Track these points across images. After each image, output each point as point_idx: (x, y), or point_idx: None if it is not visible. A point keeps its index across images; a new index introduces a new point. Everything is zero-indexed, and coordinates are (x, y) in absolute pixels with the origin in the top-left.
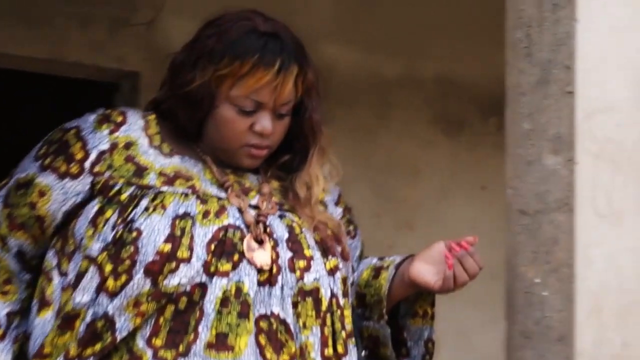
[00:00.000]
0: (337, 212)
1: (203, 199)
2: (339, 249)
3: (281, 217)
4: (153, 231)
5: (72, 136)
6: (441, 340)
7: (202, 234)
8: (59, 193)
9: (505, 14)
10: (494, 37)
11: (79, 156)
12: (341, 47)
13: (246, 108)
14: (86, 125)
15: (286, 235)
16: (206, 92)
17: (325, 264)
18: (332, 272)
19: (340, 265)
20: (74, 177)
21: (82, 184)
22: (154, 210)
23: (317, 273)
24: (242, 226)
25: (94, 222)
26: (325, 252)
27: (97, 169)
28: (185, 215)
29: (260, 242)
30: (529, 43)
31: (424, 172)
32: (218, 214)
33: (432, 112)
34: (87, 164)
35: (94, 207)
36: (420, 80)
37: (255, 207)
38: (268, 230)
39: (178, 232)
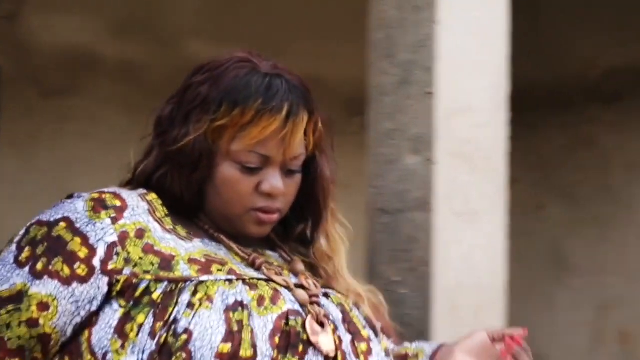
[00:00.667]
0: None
1: (251, 283)
2: (379, 324)
3: (326, 295)
4: (206, 330)
5: (64, 231)
6: None
7: (262, 325)
8: (68, 303)
9: (367, 15)
10: (358, 37)
11: (82, 254)
12: (204, 43)
13: (251, 164)
14: (78, 215)
15: (340, 316)
16: (203, 148)
17: (380, 344)
18: (387, 353)
19: (388, 344)
20: (83, 280)
21: (95, 288)
22: (201, 304)
23: (378, 356)
24: (301, 310)
25: (121, 332)
26: (375, 330)
27: (111, 266)
28: (238, 306)
29: (322, 325)
30: (390, 44)
31: None
32: (274, 300)
33: None
34: (97, 262)
35: (115, 313)
36: None
37: (300, 286)
38: (324, 312)
39: (235, 327)
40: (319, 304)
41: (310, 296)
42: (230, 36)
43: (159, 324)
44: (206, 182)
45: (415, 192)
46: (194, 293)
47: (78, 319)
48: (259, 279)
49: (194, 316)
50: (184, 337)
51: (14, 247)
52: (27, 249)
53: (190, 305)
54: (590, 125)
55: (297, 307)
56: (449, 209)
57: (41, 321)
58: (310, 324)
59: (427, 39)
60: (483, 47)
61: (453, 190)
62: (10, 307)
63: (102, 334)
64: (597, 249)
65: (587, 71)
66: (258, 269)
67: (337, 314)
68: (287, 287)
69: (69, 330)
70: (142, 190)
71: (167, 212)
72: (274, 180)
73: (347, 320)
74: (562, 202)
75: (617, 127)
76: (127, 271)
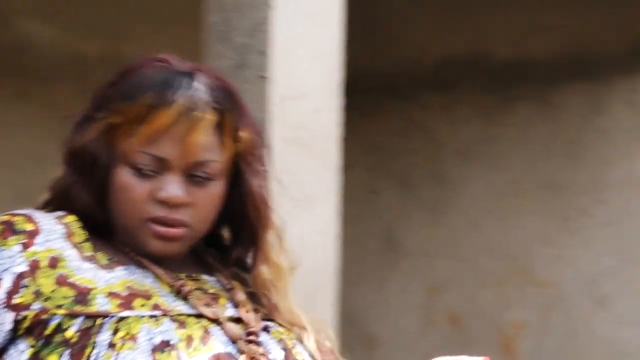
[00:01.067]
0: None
1: (179, 320)
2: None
3: (266, 329)
4: None
5: None
6: None
7: None
8: None
9: None
10: (196, 20)
11: None
12: (37, 24)
13: (143, 167)
14: None
15: (282, 354)
16: (97, 150)
17: None
18: None
19: None
20: None
21: None
22: (123, 345)
23: None
24: (234, 352)
25: None
26: None
27: (17, 300)
28: (165, 346)
29: None
30: (226, 28)
31: None
32: (204, 339)
33: None
34: (1, 295)
35: (22, 354)
36: (122, 60)
37: (237, 319)
38: (262, 350)
39: None
40: (256, 342)
41: (248, 333)
42: (65, 18)
43: None
44: (107, 192)
45: None
46: (115, 331)
47: None
48: (188, 315)
49: (116, 358)
50: None
51: None
52: None
53: (111, 345)
54: (423, 112)
55: (229, 348)
56: (284, 194)
57: None
58: None
59: (263, 23)
60: (318, 32)
61: (287, 175)
62: None
63: None
64: (428, 233)
65: (421, 59)
66: (184, 298)
67: (277, 352)
68: (217, 321)
69: None
70: (60, 212)
71: (87, 237)
72: (170, 187)
73: (289, 359)
74: (396, 188)
75: (449, 114)
76: (36, 306)
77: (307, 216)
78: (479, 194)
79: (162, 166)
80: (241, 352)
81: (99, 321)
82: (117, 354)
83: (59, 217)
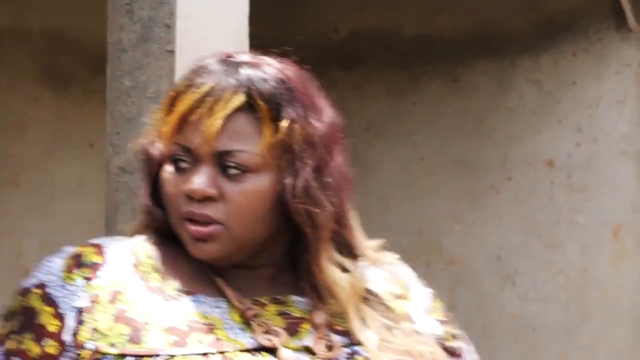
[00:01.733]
0: (431, 326)
1: (230, 357)
2: None
3: (351, 355)
4: None
5: (37, 299)
6: None
7: None
8: None
9: None
10: None
11: (53, 327)
12: None
13: (176, 157)
14: (52, 277)
15: None
16: (152, 150)
17: None
18: None
19: None
20: (52, 358)
21: None
22: None
23: None
24: None
25: None
26: None
27: (79, 338)
28: None
29: None
30: (130, 0)
31: (29, 129)
32: None
33: (39, 67)
34: (67, 336)
35: None
36: (27, 33)
37: (307, 349)
38: None
39: None
40: None
41: None
42: None
43: None
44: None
45: None
46: None
47: None
48: (244, 350)
49: None
50: None
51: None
52: (5, 323)
53: None
54: (331, 88)
55: None
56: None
57: None
58: None
59: None
60: (225, 6)
61: None
62: None
63: None
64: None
65: (330, 35)
66: (247, 322)
67: None
68: (271, 349)
69: None
70: (135, 240)
71: (155, 265)
72: (194, 178)
73: None
74: None
75: (357, 91)
76: (90, 345)
77: None
78: (387, 170)
79: (192, 157)
80: None
81: None
82: None
83: (132, 246)
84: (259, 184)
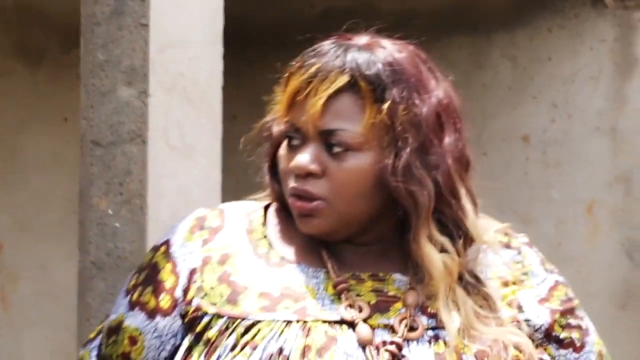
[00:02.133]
0: (540, 315)
1: (310, 327)
2: None
3: (435, 339)
4: None
5: (162, 256)
6: (21, 273)
7: None
8: (152, 337)
9: None
10: None
11: (169, 283)
12: None
13: (288, 134)
14: (176, 236)
15: None
16: (270, 129)
17: None
18: None
19: None
20: (166, 313)
21: (177, 320)
22: (241, 349)
23: None
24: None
25: None
26: None
27: (188, 295)
28: (277, 355)
29: None
30: None
31: (2, 103)
32: (321, 351)
33: (12, 40)
34: (179, 292)
35: (183, 347)
36: (0, 7)
37: (389, 327)
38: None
39: None
40: (395, 355)
41: (390, 342)
42: None
43: None
44: None
45: (130, 125)
46: (243, 334)
47: (164, 354)
48: (326, 321)
49: None
50: None
51: (133, 272)
52: (135, 276)
53: (232, 348)
54: None
55: (355, 357)
56: (164, 143)
57: (132, 355)
58: None
59: None
60: None
61: (168, 124)
62: (113, 338)
63: None
64: None
65: (306, 9)
66: (339, 296)
67: None
68: (352, 323)
69: None
70: (256, 205)
71: (264, 233)
72: (299, 156)
73: None
74: None
75: None
76: (195, 302)
77: (187, 165)
78: None
79: (301, 136)
80: (364, 346)
81: (236, 323)
82: (233, 359)
83: (250, 212)
84: (360, 162)
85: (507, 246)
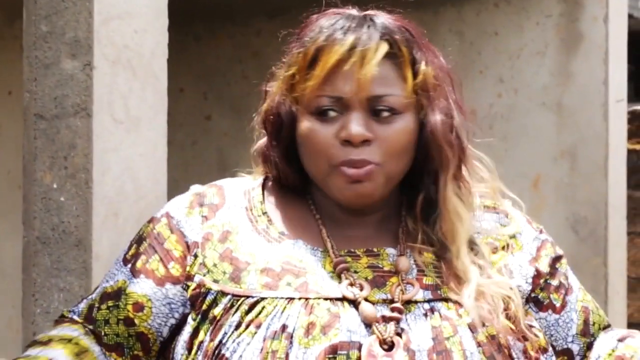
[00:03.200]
0: (527, 274)
1: (312, 304)
2: (518, 346)
3: (431, 312)
4: None
5: (164, 227)
6: None
7: (302, 359)
8: (162, 304)
9: None
10: None
11: (177, 252)
12: None
13: (324, 108)
14: (178, 210)
15: (429, 344)
16: (282, 105)
17: None
18: None
19: None
20: (177, 280)
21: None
22: (246, 328)
23: None
24: (361, 340)
25: (190, 346)
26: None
27: (191, 270)
28: (281, 332)
29: (390, 348)
30: None
31: None
32: (325, 329)
33: None
34: (189, 262)
35: (189, 324)
36: None
37: (389, 301)
38: (404, 339)
39: (268, 359)
40: (397, 322)
41: (392, 309)
42: None
43: (211, 345)
44: (297, 147)
45: (74, 98)
46: (247, 312)
47: (173, 321)
48: (327, 298)
49: (234, 341)
50: None
51: (129, 243)
52: (134, 246)
53: (237, 327)
54: (257, 38)
55: (355, 337)
56: (109, 116)
57: (136, 321)
58: (369, 347)
59: None
60: None
61: (113, 97)
62: (110, 303)
63: (180, 344)
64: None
65: None
66: (339, 275)
67: (424, 341)
68: (354, 302)
69: (165, 331)
70: (253, 183)
71: (264, 209)
72: (351, 125)
73: (437, 349)
74: (229, 113)
75: (282, 41)
76: (197, 278)
77: (133, 139)
78: None
79: (342, 106)
80: (368, 325)
81: (240, 301)
82: (238, 338)
83: (248, 189)
84: (405, 123)
85: (494, 209)
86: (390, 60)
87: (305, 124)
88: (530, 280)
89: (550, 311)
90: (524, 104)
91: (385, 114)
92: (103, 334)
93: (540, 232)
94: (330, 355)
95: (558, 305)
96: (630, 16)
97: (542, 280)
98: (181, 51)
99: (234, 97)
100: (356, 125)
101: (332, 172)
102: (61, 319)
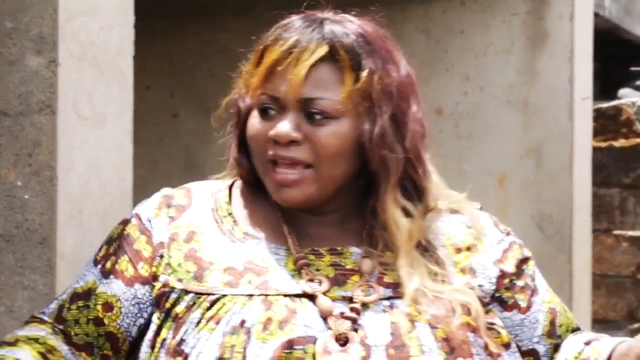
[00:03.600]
0: (491, 275)
1: (271, 300)
2: (479, 342)
3: (390, 308)
4: (198, 356)
5: (134, 228)
6: None
7: (259, 354)
8: (130, 304)
9: None
10: None
11: (147, 253)
12: None
13: (263, 105)
14: (147, 211)
15: (388, 339)
16: (239, 100)
17: None
18: None
19: None
20: (146, 281)
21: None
22: (206, 324)
23: None
24: (318, 334)
25: (153, 344)
26: (455, 355)
27: (157, 270)
28: (240, 328)
29: (344, 343)
30: None
31: None
32: (282, 324)
33: None
34: (156, 262)
35: (154, 322)
36: None
37: (348, 299)
38: (361, 333)
39: (227, 354)
40: (354, 321)
41: (351, 309)
42: None
43: (173, 342)
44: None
45: (39, 95)
46: (208, 309)
47: (142, 320)
48: (287, 294)
49: (193, 338)
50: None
51: (100, 245)
52: (104, 247)
53: (197, 324)
54: (224, 34)
55: (311, 332)
56: (74, 113)
57: (106, 321)
58: (324, 343)
59: None
60: None
61: (78, 94)
62: (80, 304)
63: (144, 345)
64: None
65: None
66: (299, 270)
67: (381, 336)
68: (312, 296)
69: (134, 331)
70: (220, 185)
71: (229, 210)
72: (280, 123)
73: (395, 344)
74: (196, 111)
75: (249, 38)
76: (163, 278)
77: (98, 136)
78: None
79: (279, 106)
80: (329, 329)
81: (202, 298)
82: (198, 334)
83: (215, 191)
84: (339, 128)
85: (460, 212)
86: (331, 64)
87: (251, 120)
88: (494, 281)
89: (515, 311)
90: (489, 102)
91: (318, 117)
92: (73, 333)
93: (508, 234)
94: (287, 350)
95: (524, 305)
96: (596, 14)
97: (507, 281)
98: (148, 48)
99: (202, 95)
100: (283, 125)
101: (267, 171)
102: (31, 319)
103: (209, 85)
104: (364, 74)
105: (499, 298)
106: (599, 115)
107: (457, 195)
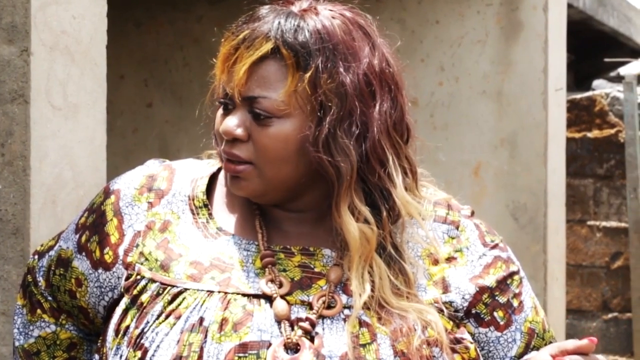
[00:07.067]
0: (466, 291)
1: (229, 299)
2: (445, 357)
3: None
4: (157, 351)
5: (110, 207)
6: None
7: (214, 355)
8: (94, 286)
9: None
10: None
11: (114, 238)
12: None
13: (222, 100)
14: (127, 191)
15: (342, 350)
16: (213, 92)
17: None
18: None
19: None
20: (107, 267)
21: (116, 277)
22: (166, 318)
23: None
24: (271, 339)
25: (117, 330)
26: None
27: (129, 259)
28: (198, 325)
29: (297, 350)
30: None
31: None
32: (237, 326)
33: None
34: (121, 251)
35: (120, 308)
36: None
37: (308, 304)
38: (317, 343)
39: (185, 352)
40: (308, 332)
41: (306, 318)
42: None
43: (135, 332)
44: None
45: (11, 84)
46: (170, 302)
47: (103, 303)
48: (245, 294)
49: (153, 331)
50: (139, 354)
51: (85, 207)
52: (85, 214)
53: (158, 316)
54: (198, 24)
55: (265, 336)
56: (47, 103)
57: (77, 295)
58: (274, 351)
59: None
60: None
61: (50, 83)
62: (61, 271)
63: (110, 329)
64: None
65: None
66: (264, 268)
67: (337, 346)
68: (269, 297)
69: (101, 310)
70: (203, 172)
71: (206, 201)
72: (226, 120)
73: (352, 356)
74: (171, 101)
75: (222, 25)
76: (137, 267)
77: (71, 126)
78: None
79: (233, 101)
80: (278, 321)
81: (166, 289)
82: (158, 327)
83: (196, 178)
84: (283, 129)
85: (444, 220)
86: (278, 62)
87: (217, 113)
88: (467, 297)
89: (492, 328)
90: (464, 92)
91: (262, 116)
92: (59, 299)
93: (493, 247)
94: (241, 354)
95: (502, 323)
96: (569, 5)
97: (485, 295)
98: (121, 37)
99: (175, 84)
100: (228, 122)
101: (223, 163)
102: (30, 293)
103: (182, 75)
104: (309, 74)
105: (474, 314)
106: (573, 106)
107: (445, 198)
